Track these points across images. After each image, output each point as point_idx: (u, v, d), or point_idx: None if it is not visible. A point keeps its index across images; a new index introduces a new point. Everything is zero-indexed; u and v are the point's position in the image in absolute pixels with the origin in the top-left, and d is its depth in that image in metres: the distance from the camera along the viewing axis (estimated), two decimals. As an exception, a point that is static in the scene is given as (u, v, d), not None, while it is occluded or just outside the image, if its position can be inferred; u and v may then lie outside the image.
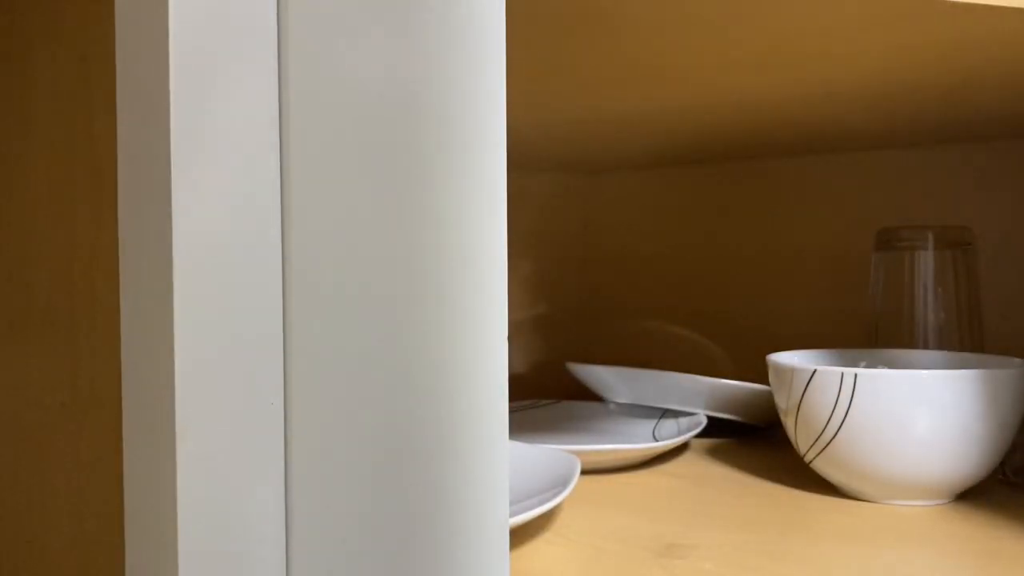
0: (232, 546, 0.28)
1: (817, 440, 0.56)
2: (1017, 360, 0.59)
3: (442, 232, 0.30)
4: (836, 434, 0.55)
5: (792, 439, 0.59)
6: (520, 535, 0.50)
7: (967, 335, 0.72)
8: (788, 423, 0.59)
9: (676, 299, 1.00)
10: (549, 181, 1.04)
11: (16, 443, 0.42)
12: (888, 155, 0.85)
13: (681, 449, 0.72)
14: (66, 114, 0.37)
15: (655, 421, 0.77)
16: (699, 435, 0.77)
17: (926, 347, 0.71)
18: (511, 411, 0.83)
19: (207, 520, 0.28)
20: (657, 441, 0.69)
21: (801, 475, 0.63)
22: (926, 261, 0.72)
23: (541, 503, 0.47)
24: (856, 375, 0.54)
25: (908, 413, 0.53)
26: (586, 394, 0.95)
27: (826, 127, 0.73)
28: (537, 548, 0.48)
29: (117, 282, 0.32)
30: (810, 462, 0.58)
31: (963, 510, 0.55)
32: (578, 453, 0.62)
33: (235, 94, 0.28)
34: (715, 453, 0.71)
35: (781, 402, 0.59)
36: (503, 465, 0.31)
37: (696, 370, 0.97)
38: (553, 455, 0.58)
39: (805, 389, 0.56)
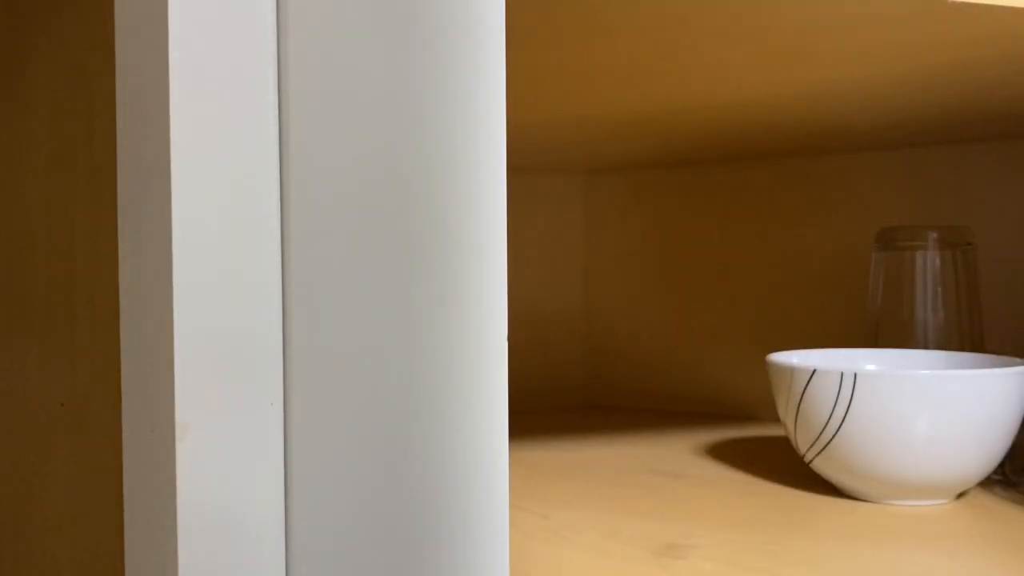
0: (232, 545, 0.28)
1: (817, 440, 0.56)
2: (1017, 360, 0.59)
3: (442, 233, 0.30)
4: (836, 434, 0.55)
5: (792, 439, 0.59)
6: (520, 535, 0.50)
7: (967, 335, 0.72)
8: (788, 423, 0.59)
9: (676, 299, 1.00)
10: (549, 181, 1.04)
11: (16, 443, 0.42)
12: (888, 155, 0.85)
13: (681, 449, 0.72)
14: (65, 115, 0.37)
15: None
16: (698, 434, 0.77)
17: (926, 347, 0.71)
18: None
19: (207, 520, 0.28)
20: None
21: (801, 475, 0.63)
22: (926, 261, 0.72)
23: None
24: (856, 375, 0.54)
25: (908, 413, 0.53)
26: (586, 395, 0.95)
27: (827, 127, 0.73)
28: (537, 548, 0.48)
29: (117, 282, 0.32)
30: (810, 462, 0.58)
31: (963, 510, 0.55)
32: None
33: (235, 95, 0.28)
34: (715, 453, 0.71)
35: (781, 402, 0.59)
36: (503, 465, 0.31)
37: (696, 370, 0.97)
38: None
39: (805, 389, 0.56)
